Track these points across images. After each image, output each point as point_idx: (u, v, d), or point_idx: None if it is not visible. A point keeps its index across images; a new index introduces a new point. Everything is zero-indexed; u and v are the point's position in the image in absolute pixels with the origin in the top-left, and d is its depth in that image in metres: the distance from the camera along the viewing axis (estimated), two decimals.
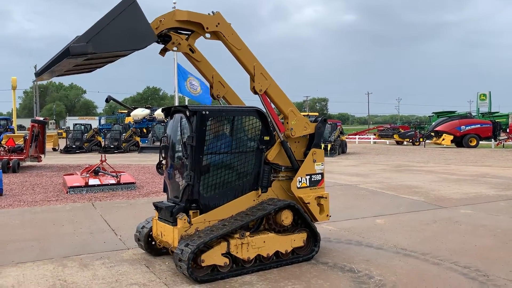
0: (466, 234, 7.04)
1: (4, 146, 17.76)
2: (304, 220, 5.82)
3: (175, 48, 5.61)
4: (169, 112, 6.13)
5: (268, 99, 5.92)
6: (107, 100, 31.01)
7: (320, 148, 6.24)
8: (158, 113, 33.68)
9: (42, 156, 17.77)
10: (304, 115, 6.51)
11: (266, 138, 5.86)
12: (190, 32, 5.63)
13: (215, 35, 5.38)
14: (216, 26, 5.25)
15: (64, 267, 5.59)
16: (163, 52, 5.82)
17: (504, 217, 8.25)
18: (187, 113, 5.51)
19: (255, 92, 5.70)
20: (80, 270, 5.49)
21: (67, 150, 28.13)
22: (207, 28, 5.24)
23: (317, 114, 54.13)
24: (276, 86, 5.88)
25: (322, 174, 6.19)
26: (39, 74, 5.50)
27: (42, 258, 5.96)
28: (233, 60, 5.73)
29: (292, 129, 6.00)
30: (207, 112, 5.48)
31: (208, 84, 6.21)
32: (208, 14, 5.37)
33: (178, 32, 5.58)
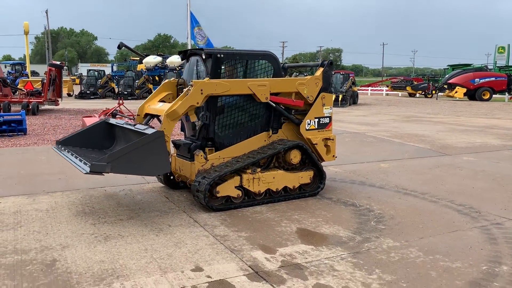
0: (466, 178, 7.43)
1: (23, 89, 18.26)
2: (311, 160, 6.23)
3: None
4: (186, 55, 6.43)
5: (275, 96, 6.04)
6: (119, 47, 30.94)
7: (328, 92, 6.51)
8: (170, 61, 33.66)
9: (59, 100, 18.27)
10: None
11: None
12: None
13: (206, 97, 5.53)
14: (201, 93, 5.43)
15: (91, 197, 6.14)
16: None
17: (505, 164, 8.59)
18: (203, 56, 5.81)
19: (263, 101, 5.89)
20: (105, 199, 6.03)
21: (82, 96, 28.68)
22: (198, 103, 5.46)
23: None
24: (273, 81, 5.98)
25: (330, 117, 6.52)
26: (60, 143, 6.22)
27: (70, 189, 6.53)
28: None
29: (308, 97, 6.24)
30: (222, 55, 5.77)
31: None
32: (188, 89, 5.44)
33: None
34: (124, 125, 5.84)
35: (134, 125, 5.58)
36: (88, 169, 4.70)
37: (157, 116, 5.86)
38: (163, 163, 4.91)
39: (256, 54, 6.09)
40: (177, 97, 6.45)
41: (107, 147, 6.24)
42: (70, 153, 5.70)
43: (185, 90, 5.57)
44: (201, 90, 5.43)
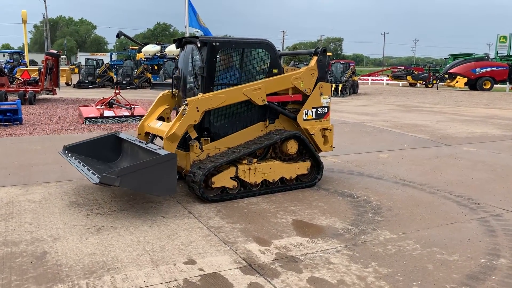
0: (465, 169, 7.34)
1: (20, 78, 18.11)
2: (308, 150, 6.14)
3: None
4: (181, 43, 6.30)
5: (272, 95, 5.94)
6: (118, 36, 30.65)
7: (326, 81, 6.38)
8: (169, 50, 33.45)
9: (57, 89, 18.12)
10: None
11: (275, 71, 6.04)
12: None
13: (203, 113, 5.46)
14: (197, 111, 5.37)
15: (85, 187, 6.05)
16: None
17: (505, 155, 8.50)
18: (198, 44, 5.69)
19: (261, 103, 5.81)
20: (99, 190, 5.94)
21: (80, 85, 28.48)
22: (196, 121, 5.42)
23: (330, 54, 52.91)
24: (268, 82, 5.86)
25: (328, 107, 6.41)
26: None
27: (64, 179, 6.44)
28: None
29: (305, 89, 6.13)
30: (218, 43, 5.64)
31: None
32: (184, 108, 5.40)
33: None
34: (135, 142, 5.85)
35: (146, 143, 5.63)
36: (97, 180, 4.77)
37: (159, 135, 5.84)
38: (171, 185, 4.94)
39: (253, 42, 5.95)
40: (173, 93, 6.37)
41: (112, 160, 6.29)
42: (77, 160, 5.78)
43: (181, 109, 5.53)
44: (197, 107, 5.37)
